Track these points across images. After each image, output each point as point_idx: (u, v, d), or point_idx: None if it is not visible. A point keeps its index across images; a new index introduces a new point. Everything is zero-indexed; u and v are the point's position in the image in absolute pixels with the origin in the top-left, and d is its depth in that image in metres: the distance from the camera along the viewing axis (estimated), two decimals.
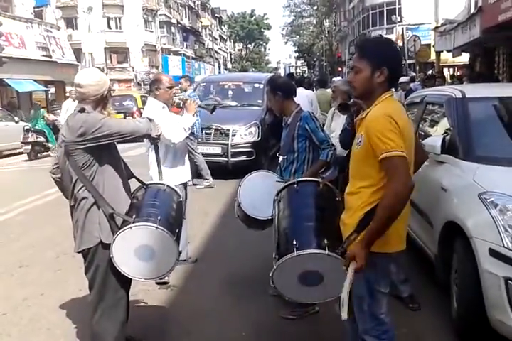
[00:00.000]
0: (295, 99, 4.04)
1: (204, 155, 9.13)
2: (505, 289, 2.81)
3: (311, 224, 2.75)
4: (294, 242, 2.57)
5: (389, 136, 2.24)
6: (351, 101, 3.23)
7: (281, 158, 3.98)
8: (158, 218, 2.90)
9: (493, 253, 2.90)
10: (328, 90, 11.36)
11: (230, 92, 10.85)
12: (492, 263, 2.90)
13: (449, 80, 14.73)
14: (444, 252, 3.61)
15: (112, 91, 3.31)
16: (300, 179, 3.28)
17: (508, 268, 2.82)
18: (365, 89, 2.42)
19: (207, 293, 4.33)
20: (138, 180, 3.34)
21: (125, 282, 3.03)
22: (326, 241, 2.52)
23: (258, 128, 9.57)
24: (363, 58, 2.40)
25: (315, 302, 3.52)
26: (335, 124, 5.46)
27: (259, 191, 3.83)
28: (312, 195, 3.00)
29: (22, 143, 13.75)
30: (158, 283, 4.36)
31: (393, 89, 12.05)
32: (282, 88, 3.93)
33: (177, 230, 3.04)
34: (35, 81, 21.90)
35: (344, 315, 2.25)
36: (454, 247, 3.40)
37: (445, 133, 4.22)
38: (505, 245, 2.85)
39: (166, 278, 4.17)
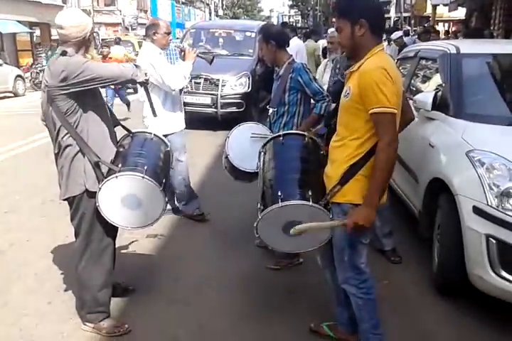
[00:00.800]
0: (290, 49, 3.95)
1: (193, 105, 9.01)
2: (485, 246, 2.87)
3: (295, 176, 2.77)
4: (279, 193, 2.59)
5: (383, 91, 2.24)
6: None
7: (271, 110, 3.92)
8: (145, 168, 2.87)
9: (477, 210, 2.94)
10: (322, 41, 11.13)
11: (221, 40, 10.55)
12: (475, 220, 2.95)
13: (442, 36, 14.43)
14: (428, 208, 3.65)
15: (95, 34, 3.18)
16: (286, 132, 3.27)
17: (490, 226, 2.86)
18: (351, 45, 2.42)
19: (194, 242, 4.38)
20: (124, 127, 3.27)
21: (111, 230, 3.03)
22: (309, 193, 2.55)
23: (249, 79, 9.40)
24: (341, 17, 2.43)
25: (299, 252, 3.58)
26: (327, 77, 5.38)
27: (248, 143, 3.80)
28: (297, 147, 3.00)
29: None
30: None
31: (385, 43, 11.73)
32: (275, 37, 3.81)
33: (164, 180, 3.02)
34: (19, 22, 21.16)
35: (293, 231, 2.44)
36: (439, 204, 3.44)
37: (437, 89, 4.18)
38: (489, 203, 2.88)
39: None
